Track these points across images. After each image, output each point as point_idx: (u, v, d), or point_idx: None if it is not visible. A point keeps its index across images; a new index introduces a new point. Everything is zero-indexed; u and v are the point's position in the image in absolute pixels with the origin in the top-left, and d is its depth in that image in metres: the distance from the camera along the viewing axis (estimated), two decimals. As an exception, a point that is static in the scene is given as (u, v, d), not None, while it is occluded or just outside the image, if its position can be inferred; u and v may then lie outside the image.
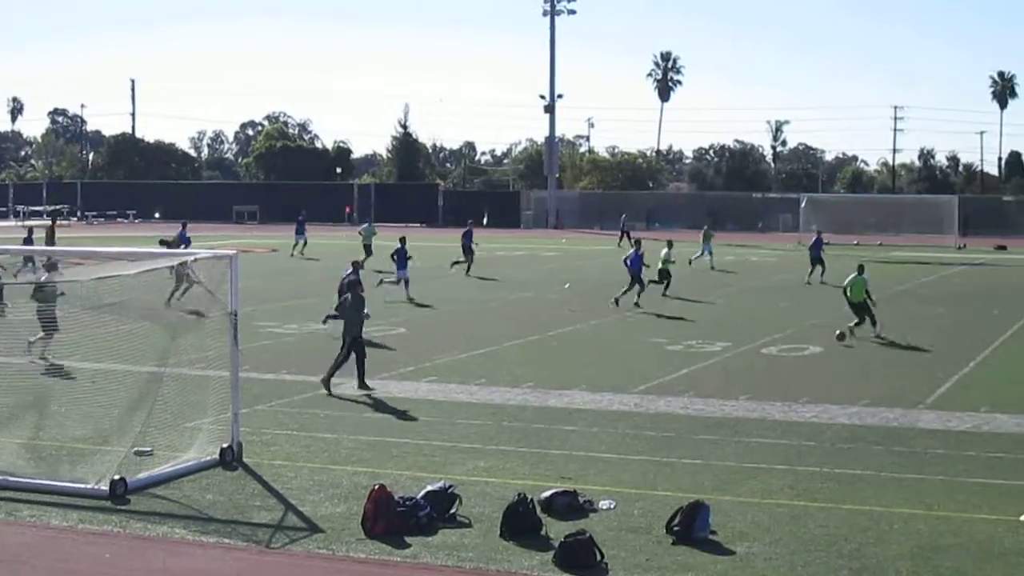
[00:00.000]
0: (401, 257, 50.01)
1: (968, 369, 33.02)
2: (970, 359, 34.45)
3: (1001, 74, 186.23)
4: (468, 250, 62.62)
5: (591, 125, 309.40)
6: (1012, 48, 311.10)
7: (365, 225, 75.67)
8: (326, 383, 28.85)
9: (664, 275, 51.57)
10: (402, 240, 51.24)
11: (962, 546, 17.06)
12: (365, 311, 29.85)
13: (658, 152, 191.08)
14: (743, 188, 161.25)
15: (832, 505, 19.20)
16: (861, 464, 22.04)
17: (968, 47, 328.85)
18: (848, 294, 39.19)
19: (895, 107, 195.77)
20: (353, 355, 29.08)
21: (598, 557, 16.24)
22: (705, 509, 17.48)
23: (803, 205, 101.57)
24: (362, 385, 29.00)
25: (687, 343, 37.39)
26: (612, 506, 18.99)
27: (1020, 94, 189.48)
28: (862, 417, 26.33)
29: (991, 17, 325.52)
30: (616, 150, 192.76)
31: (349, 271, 34.76)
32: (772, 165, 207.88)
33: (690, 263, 65.40)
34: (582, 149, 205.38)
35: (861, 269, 39.93)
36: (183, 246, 50.19)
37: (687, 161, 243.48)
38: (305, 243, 77.74)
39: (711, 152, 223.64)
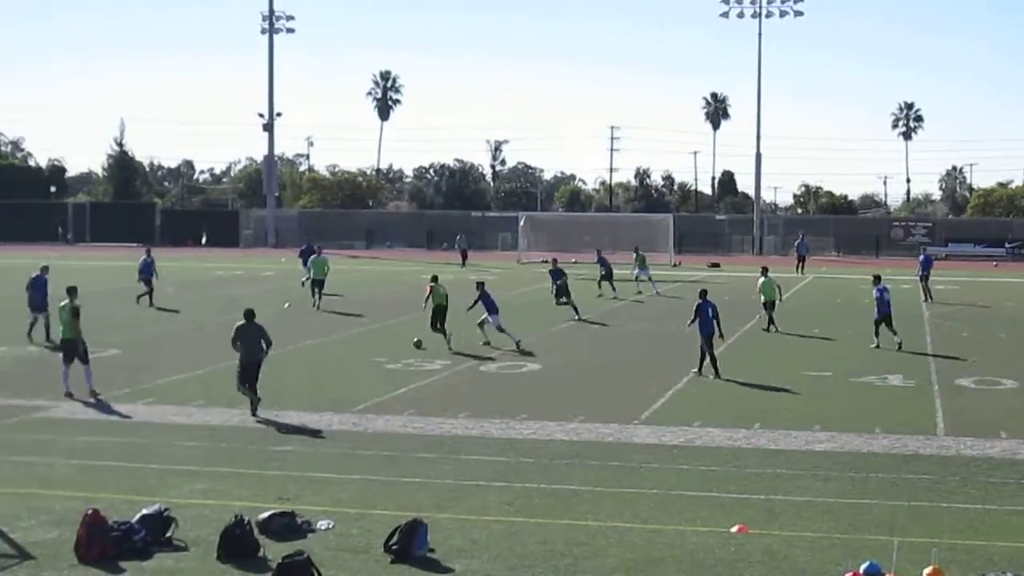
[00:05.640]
0: (490, 302, 43.66)
1: (681, 384, 33.71)
2: (683, 374, 35.15)
3: (714, 95, 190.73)
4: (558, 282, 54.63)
5: (311, 143, 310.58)
6: (724, 70, 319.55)
7: (313, 255, 59.37)
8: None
9: (771, 306, 47.65)
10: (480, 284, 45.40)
11: (675, 558, 17.41)
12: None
13: (378, 171, 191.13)
14: (463, 207, 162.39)
15: (549, 520, 19.41)
16: (578, 479, 22.36)
17: (682, 68, 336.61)
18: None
19: (612, 127, 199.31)
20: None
21: (316, 577, 16.16)
22: (423, 527, 17.53)
23: (522, 224, 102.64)
24: None
25: (406, 361, 37.43)
26: (330, 526, 18.91)
27: (732, 115, 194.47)
28: (579, 433, 26.71)
29: (704, 39, 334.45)
30: (336, 168, 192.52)
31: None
32: (492, 184, 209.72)
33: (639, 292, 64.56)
34: (302, 168, 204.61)
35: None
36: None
37: (407, 180, 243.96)
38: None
39: (431, 171, 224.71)
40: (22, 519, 19.38)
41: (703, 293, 36.58)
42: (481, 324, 42.38)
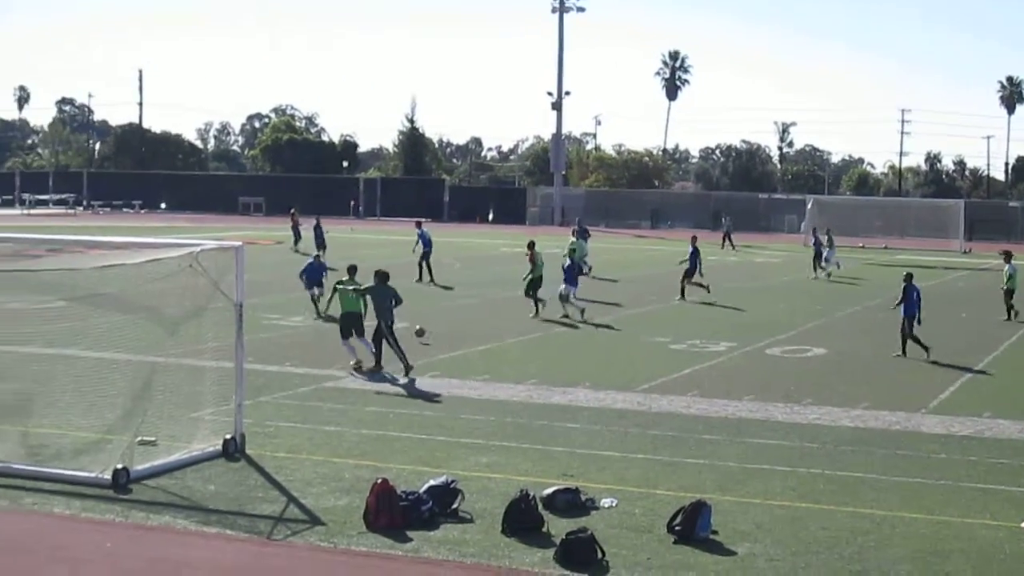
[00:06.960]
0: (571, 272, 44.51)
1: (971, 375, 32.96)
2: (973, 364, 34.39)
3: (1010, 79, 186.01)
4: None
5: (598, 123, 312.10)
6: (1021, 53, 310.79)
7: (575, 239, 58.91)
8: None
9: (1010, 295, 46.31)
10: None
11: (963, 551, 17.06)
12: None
13: (665, 151, 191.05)
14: (749, 188, 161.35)
15: (834, 507, 19.20)
16: (863, 467, 22.05)
17: (976, 51, 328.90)
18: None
19: (902, 110, 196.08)
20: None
21: (599, 555, 16.24)
22: (707, 509, 17.48)
23: (809, 207, 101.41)
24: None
25: (691, 342, 37.37)
26: (614, 504, 18.99)
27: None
28: (865, 420, 26.32)
29: (1001, 22, 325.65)
30: (623, 148, 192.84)
31: None
32: (778, 166, 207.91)
33: (829, 275, 64.01)
34: (589, 146, 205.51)
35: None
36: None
37: (693, 160, 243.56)
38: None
39: (718, 152, 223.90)
40: (313, 485, 19.91)
41: (909, 276, 36.53)
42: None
